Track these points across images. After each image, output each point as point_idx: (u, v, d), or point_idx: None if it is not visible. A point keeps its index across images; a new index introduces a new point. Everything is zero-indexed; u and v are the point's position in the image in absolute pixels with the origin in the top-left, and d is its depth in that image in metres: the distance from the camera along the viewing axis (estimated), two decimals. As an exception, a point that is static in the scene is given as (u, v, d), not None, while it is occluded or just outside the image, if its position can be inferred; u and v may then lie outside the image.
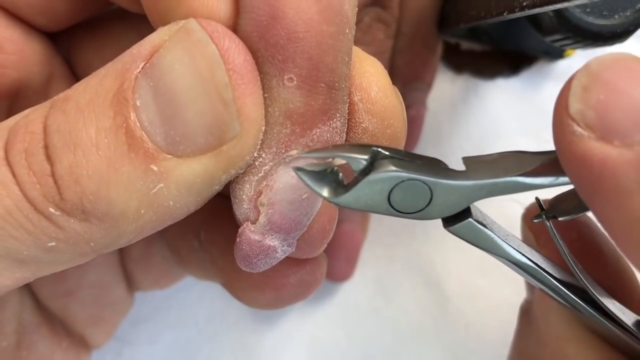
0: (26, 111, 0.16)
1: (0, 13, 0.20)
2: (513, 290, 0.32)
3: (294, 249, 0.18)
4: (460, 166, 0.17)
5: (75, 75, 0.23)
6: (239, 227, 0.17)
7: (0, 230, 0.15)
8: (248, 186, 0.17)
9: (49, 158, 0.15)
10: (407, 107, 0.32)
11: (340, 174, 0.17)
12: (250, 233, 0.17)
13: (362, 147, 0.16)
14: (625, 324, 0.18)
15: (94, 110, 0.14)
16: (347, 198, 0.16)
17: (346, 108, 0.17)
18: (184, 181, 0.15)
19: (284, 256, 0.18)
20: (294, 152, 0.16)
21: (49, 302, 0.24)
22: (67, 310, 0.24)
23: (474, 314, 0.32)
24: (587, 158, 0.13)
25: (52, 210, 0.15)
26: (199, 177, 0.15)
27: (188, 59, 0.14)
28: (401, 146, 0.18)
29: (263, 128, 0.16)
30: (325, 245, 0.20)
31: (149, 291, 0.28)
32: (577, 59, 0.34)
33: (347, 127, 0.17)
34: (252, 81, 0.15)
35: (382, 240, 0.33)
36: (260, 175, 0.16)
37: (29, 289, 0.24)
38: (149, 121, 0.14)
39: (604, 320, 0.18)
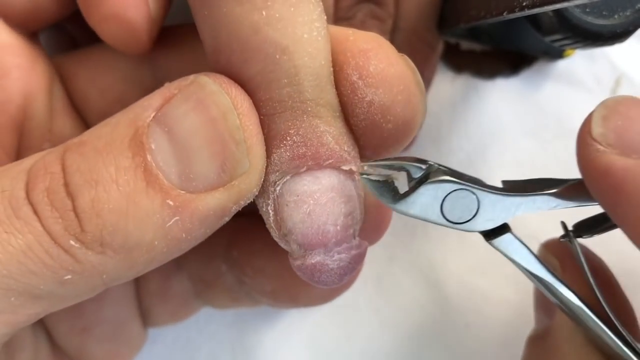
0: (40, 154, 0.17)
1: (9, 40, 0.21)
2: (513, 290, 0.32)
3: (360, 250, 0.19)
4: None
5: (75, 109, 0.23)
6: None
7: (21, 266, 0.15)
8: (272, 230, 0.19)
9: (69, 194, 0.16)
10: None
11: (396, 185, 0.18)
12: (293, 260, 0.19)
13: (419, 160, 0.18)
14: None
15: (112, 152, 0.16)
16: (404, 204, 0.18)
17: (309, 114, 0.17)
18: (198, 214, 0.16)
19: (350, 262, 0.19)
20: (277, 182, 0.18)
21: (65, 340, 0.24)
22: (84, 347, 0.25)
23: (474, 314, 0.32)
24: (610, 168, 0.16)
25: (72, 242, 0.16)
26: (212, 210, 0.16)
27: (202, 107, 0.16)
28: (418, 112, 0.18)
29: (265, 163, 0.17)
30: (381, 237, 0.22)
31: (163, 326, 0.28)
32: (577, 59, 0.34)
33: (352, 105, 0.18)
34: (256, 122, 0.17)
35: (382, 240, 0.33)
36: (272, 215, 0.18)
37: (44, 331, 0.24)
38: (164, 162, 0.16)
39: (624, 348, 0.19)
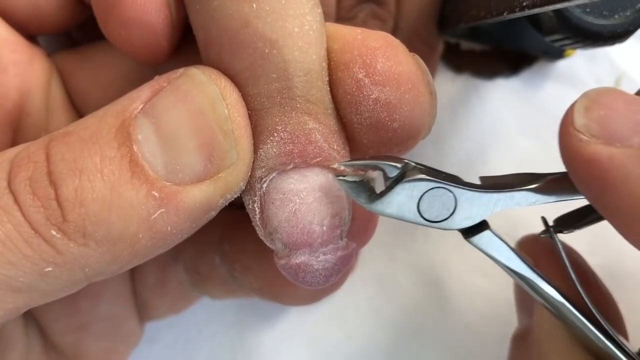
0: (25, 144, 0.17)
1: (7, 37, 0.21)
2: (513, 290, 0.32)
3: (347, 251, 0.18)
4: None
5: (74, 107, 0.23)
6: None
7: None
8: (258, 228, 0.18)
9: (53, 183, 0.15)
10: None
11: (372, 185, 0.18)
12: (277, 259, 0.18)
13: (395, 159, 0.18)
14: (627, 347, 0.19)
15: (98, 142, 0.16)
16: (380, 204, 0.17)
17: (298, 110, 0.17)
18: (184, 207, 0.16)
19: (335, 263, 0.18)
20: (263, 178, 0.18)
21: (60, 339, 0.24)
22: (79, 345, 0.25)
23: (474, 314, 0.32)
24: (596, 156, 0.16)
25: (53, 232, 0.15)
26: (198, 203, 0.16)
27: (191, 98, 0.16)
28: (426, 113, 0.18)
29: (252, 156, 0.17)
30: (370, 239, 0.22)
31: (162, 319, 0.28)
32: (577, 59, 0.34)
33: (356, 103, 0.17)
34: (245, 114, 0.17)
35: (382, 240, 0.33)
36: (258, 212, 0.18)
37: (37, 329, 0.24)
38: (151, 153, 0.16)
39: (605, 340, 0.19)
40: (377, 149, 0.18)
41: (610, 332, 0.19)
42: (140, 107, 0.16)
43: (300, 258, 0.18)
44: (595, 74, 0.34)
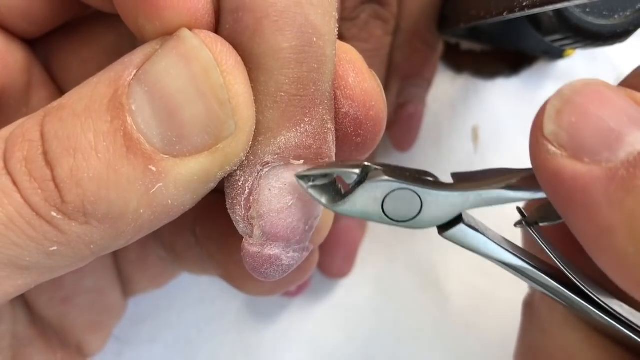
0: (20, 121, 0.16)
1: None
2: (513, 290, 0.32)
3: (308, 252, 0.18)
4: (461, 169, 0.18)
5: (54, 81, 0.23)
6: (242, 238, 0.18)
7: (3, 238, 0.15)
8: (239, 207, 0.17)
9: (48, 163, 0.15)
10: (406, 104, 0.32)
11: (339, 185, 0.17)
12: (249, 246, 0.17)
13: (354, 163, 0.17)
14: (625, 317, 0.18)
15: (91, 116, 0.15)
16: (343, 206, 0.17)
17: (325, 106, 0.17)
18: (182, 180, 0.15)
19: (297, 262, 0.18)
20: (270, 164, 0.17)
21: (46, 311, 0.24)
22: (65, 317, 0.25)
23: (474, 314, 0.32)
24: (559, 174, 0.14)
25: (53, 214, 0.15)
26: (196, 175, 0.16)
27: (183, 64, 0.15)
28: (383, 126, 0.18)
29: (254, 126, 0.16)
30: (321, 241, 0.21)
31: (145, 293, 0.28)
32: (577, 59, 0.34)
33: None
34: (243, 81, 0.16)
35: (382, 240, 0.33)
36: (246, 192, 0.17)
37: (22, 302, 0.24)
38: (145, 124, 0.15)
39: (602, 315, 0.18)
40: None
41: (610, 309, 0.18)
42: (133, 74, 0.15)
43: (275, 250, 0.17)
44: (595, 74, 0.34)
